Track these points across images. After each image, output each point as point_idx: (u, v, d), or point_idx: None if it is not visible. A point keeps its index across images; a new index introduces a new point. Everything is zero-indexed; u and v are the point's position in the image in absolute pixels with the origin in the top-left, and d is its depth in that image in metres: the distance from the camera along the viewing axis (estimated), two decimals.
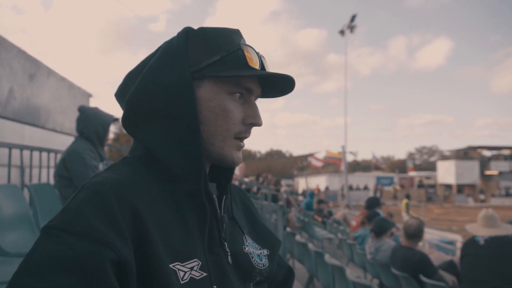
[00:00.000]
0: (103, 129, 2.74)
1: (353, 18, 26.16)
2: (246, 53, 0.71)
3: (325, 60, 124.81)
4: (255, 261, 0.78)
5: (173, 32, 0.76)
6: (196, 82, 0.70)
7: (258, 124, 0.74)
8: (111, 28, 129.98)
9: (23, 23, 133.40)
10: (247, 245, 0.79)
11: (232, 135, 0.72)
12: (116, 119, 2.87)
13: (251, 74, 0.69)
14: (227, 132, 0.71)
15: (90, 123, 2.74)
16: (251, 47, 0.73)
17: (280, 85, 0.77)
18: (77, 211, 0.57)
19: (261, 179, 9.47)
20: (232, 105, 0.72)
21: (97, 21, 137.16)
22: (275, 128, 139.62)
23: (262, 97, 0.80)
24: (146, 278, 0.58)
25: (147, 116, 0.70)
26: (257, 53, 0.73)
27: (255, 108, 0.74)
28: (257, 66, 0.71)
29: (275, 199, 7.03)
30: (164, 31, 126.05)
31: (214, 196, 0.72)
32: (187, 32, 0.72)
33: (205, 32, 0.72)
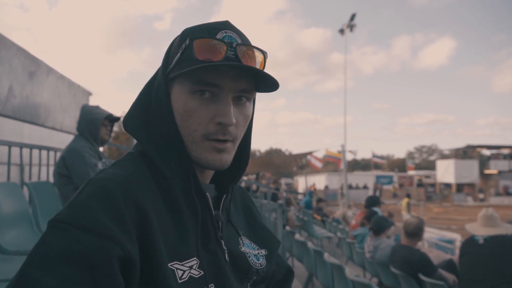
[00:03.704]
0: (94, 126, 2.73)
1: (352, 17, 26.07)
2: (195, 46, 0.65)
3: (329, 59, 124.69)
4: (252, 261, 0.77)
5: (177, 31, 0.74)
6: (170, 84, 0.70)
7: (226, 122, 0.66)
8: (115, 26, 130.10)
9: (28, 22, 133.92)
10: (243, 245, 0.78)
11: (201, 137, 0.68)
12: (115, 118, 2.85)
13: (192, 67, 0.64)
14: (195, 134, 0.68)
15: (82, 120, 2.74)
16: (215, 38, 0.65)
17: (266, 79, 0.68)
18: (83, 205, 0.57)
19: (263, 181, 9.47)
20: (193, 104, 0.67)
21: (102, 19, 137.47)
22: (276, 127, 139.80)
23: (259, 91, 0.73)
24: (147, 275, 0.59)
25: (141, 117, 0.73)
26: (227, 43, 0.65)
27: (224, 105, 0.67)
28: (217, 57, 0.64)
29: (274, 197, 7.04)
30: (169, 29, 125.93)
31: (207, 194, 0.72)
32: (181, 34, 0.72)
33: (184, 32, 0.71)
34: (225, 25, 0.69)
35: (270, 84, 0.70)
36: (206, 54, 0.65)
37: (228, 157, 0.70)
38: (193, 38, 0.66)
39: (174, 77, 0.68)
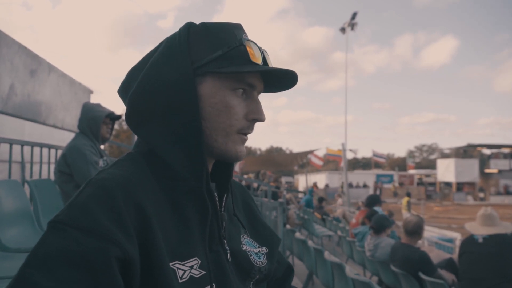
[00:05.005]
0: (95, 124, 2.73)
1: (354, 15, 26.05)
2: (248, 49, 0.70)
3: (331, 58, 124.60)
4: (253, 259, 0.78)
5: None
6: (198, 79, 0.70)
7: (261, 119, 0.73)
8: (118, 25, 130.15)
9: (31, 20, 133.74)
10: (244, 244, 0.79)
11: (235, 131, 0.72)
12: (117, 116, 2.86)
13: (253, 70, 0.68)
14: (230, 128, 0.71)
15: (83, 118, 2.75)
16: (254, 42, 0.72)
17: (283, 79, 0.76)
18: (83, 206, 0.57)
19: (262, 177, 9.47)
20: (234, 101, 0.71)
21: (105, 18, 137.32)
22: (277, 126, 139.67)
23: (265, 91, 0.79)
24: (147, 276, 0.59)
25: (149, 113, 0.70)
26: (259, 48, 0.73)
27: (258, 103, 0.74)
28: (259, 61, 0.71)
29: (275, 196, 7.04)
30: (172, 28, 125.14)
31: (215, 194, 0.72)
32: (189, 28, 0.72)
33: (207, 28, 0.71)
34: (242, 28, 0.74)
35: (280, 87, 0.79)
36: (255, 57, 0.70)
37: None
38: (243, 40, 0.71)
39: (206, 72, 0.69)
